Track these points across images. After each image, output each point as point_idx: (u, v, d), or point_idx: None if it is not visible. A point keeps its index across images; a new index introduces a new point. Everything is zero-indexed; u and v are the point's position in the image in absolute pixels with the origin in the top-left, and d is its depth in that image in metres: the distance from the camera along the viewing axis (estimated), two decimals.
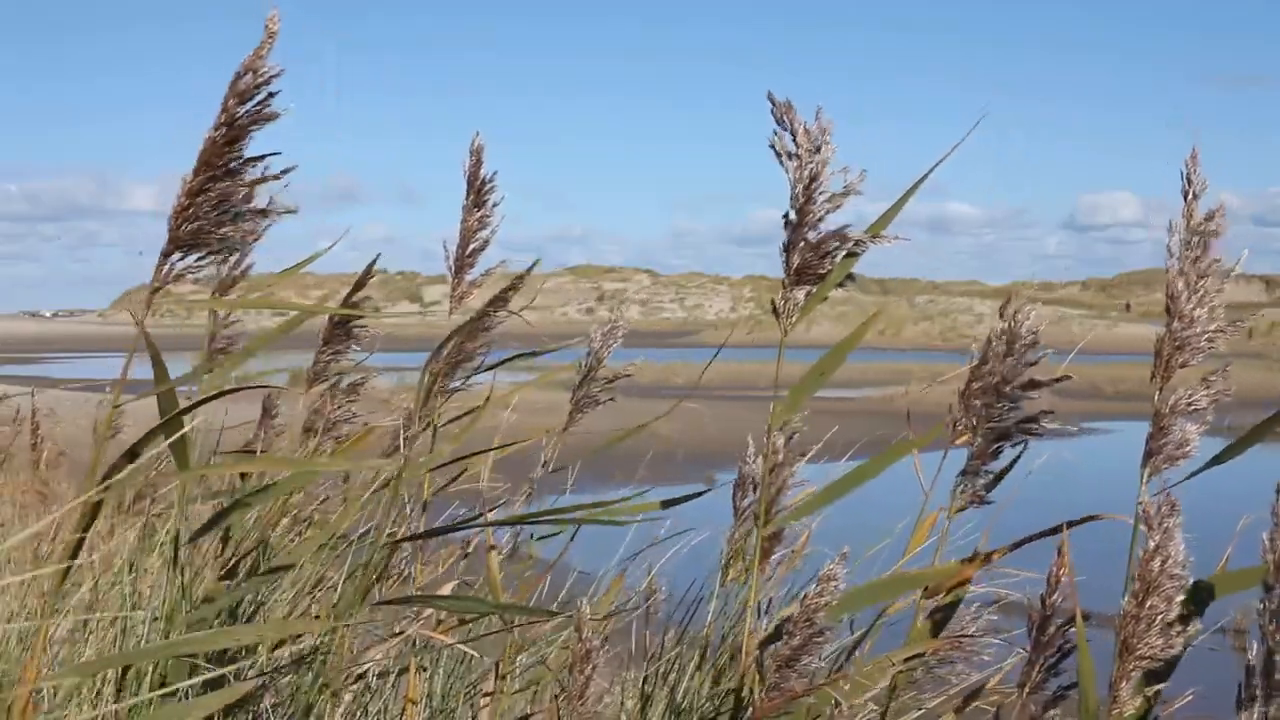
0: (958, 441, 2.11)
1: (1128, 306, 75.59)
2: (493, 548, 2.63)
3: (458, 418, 2.58)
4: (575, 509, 2.36)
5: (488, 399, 2.52)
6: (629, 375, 2.75)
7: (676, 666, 2.60)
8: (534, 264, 2.49)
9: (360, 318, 2.59)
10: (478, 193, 2.33)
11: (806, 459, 2.23)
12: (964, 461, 2.09)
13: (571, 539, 2.78)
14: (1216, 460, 1.80)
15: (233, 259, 2.44)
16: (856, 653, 2.31)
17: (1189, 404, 1.78)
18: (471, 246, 2.35)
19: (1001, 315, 2.13)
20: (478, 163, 2.33)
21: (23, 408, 6.39)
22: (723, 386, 29.45)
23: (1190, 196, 1.75)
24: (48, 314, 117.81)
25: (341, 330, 2.67)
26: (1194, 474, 1.78)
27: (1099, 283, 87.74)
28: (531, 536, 2.83)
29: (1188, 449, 1.78)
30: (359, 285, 2.55)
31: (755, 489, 2.30)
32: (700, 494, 2.36)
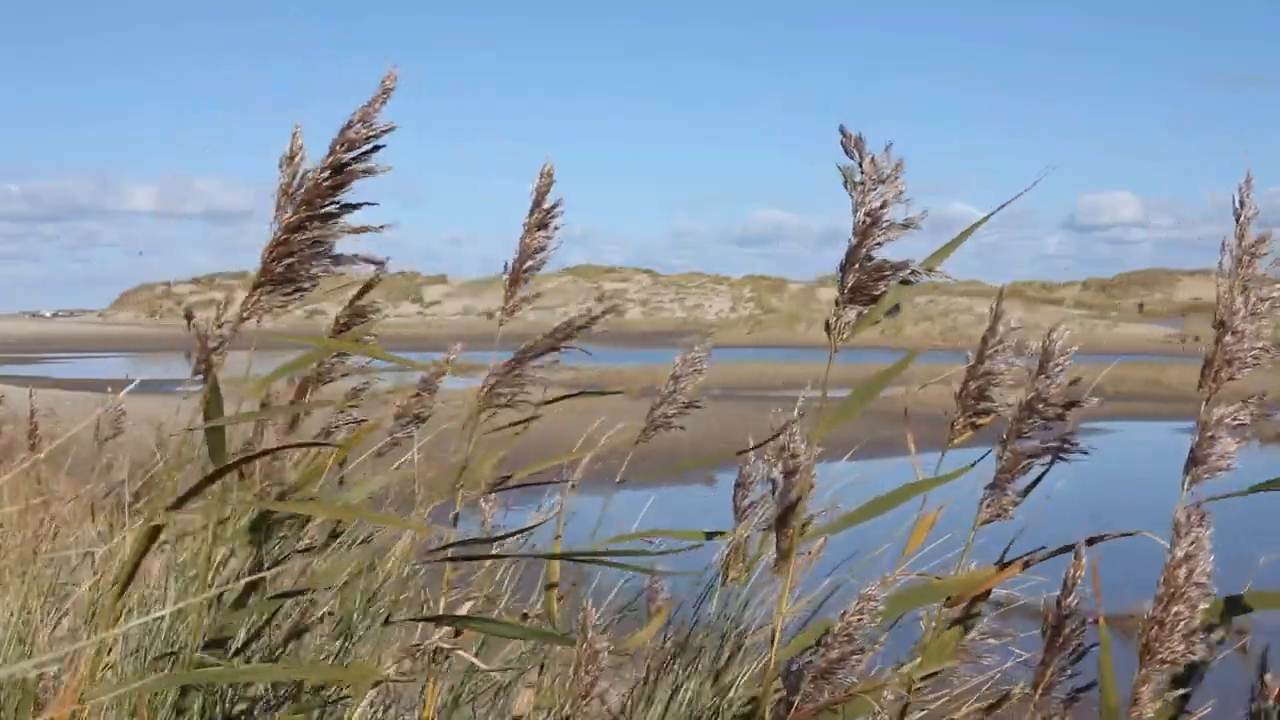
0: (956, 441, 2.11)
1: (1140, 307, 75.85)
2: (552, 585, 2.63)
3: (503, 427, 2.58)
4: (618, 542, 2.38)
5: (534, 417, 2.52)
6: (714, 390, 2.74)
7: (677, 666, 2.61)
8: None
9: (371, 334, 2.59)
10: (545, 214, 2.35)
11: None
12: (962, 463, 2.09)
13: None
14: (1267, 486, 1.83)
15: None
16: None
17: (1233, 419, 1.83)
18: (529, 263, 2.37)
19: (995, 315, 2.14)
20: (547, 185, 2.35)
21: (18, 406, 6.40)
22: (724, 386, 29.47)
23: (1242, 219, 1.84)
24: (48, 314, 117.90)
25: (345, 334, 2.67)
26: (1247, 492, 1.81)
27: (1099, 283, 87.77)
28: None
29: (1227, 461, 1.82)
30: (366, 289, 2.55)
31: (772, 488, 2.30)
32: (722, 533, 2.37)
